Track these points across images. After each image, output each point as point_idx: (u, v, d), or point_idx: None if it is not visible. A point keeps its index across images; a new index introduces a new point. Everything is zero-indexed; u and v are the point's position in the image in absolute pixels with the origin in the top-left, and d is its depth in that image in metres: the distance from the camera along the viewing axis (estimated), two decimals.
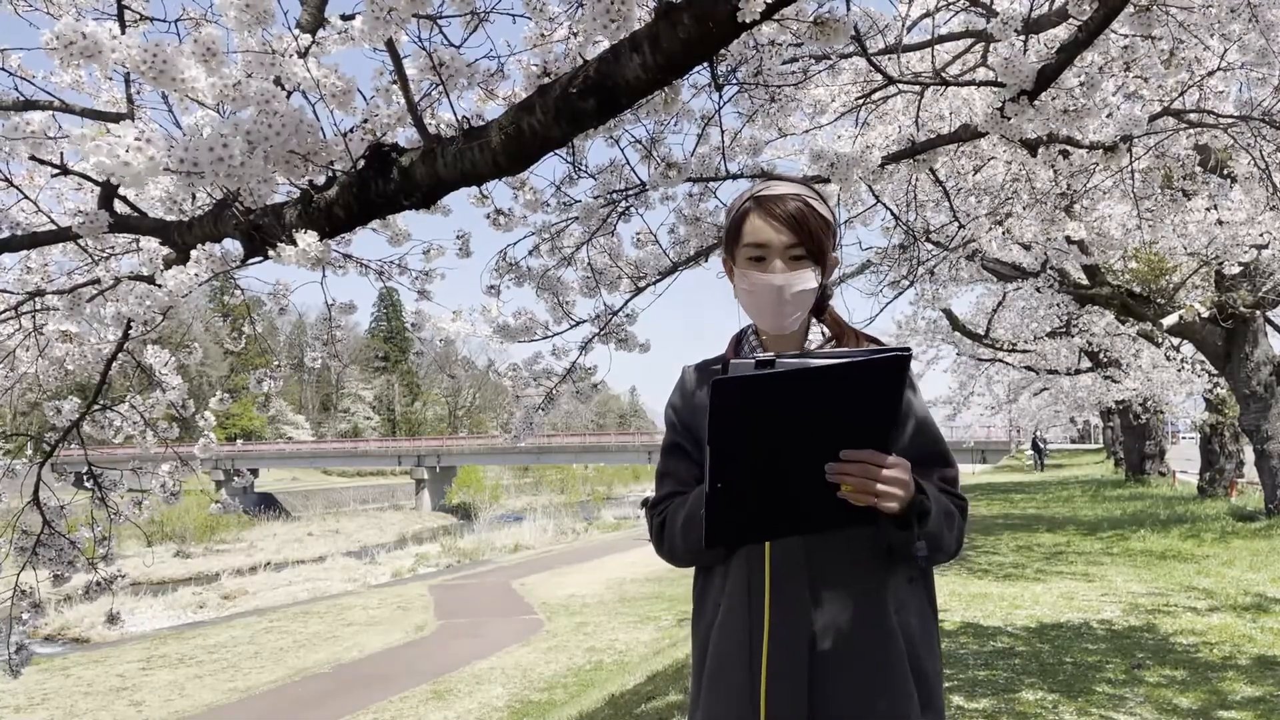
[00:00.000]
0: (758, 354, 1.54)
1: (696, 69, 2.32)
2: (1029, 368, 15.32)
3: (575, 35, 2.41)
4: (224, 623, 17.53)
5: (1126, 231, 6.62)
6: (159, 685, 12.21)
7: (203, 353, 3.50)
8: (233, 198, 2.11)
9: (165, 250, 2.28)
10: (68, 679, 12.77)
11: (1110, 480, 24.06)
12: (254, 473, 49.50)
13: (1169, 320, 10.00)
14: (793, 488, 1.31)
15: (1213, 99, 3.77)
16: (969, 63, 3.81)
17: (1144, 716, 4.44)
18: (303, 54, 1.99)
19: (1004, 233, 4.85)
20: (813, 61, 3.33)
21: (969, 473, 34.94)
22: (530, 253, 3.59)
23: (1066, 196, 4.39)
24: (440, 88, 2.22)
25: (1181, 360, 14.54)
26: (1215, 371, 13.27)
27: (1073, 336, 12.75)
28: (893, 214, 4.54)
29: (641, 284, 3.67)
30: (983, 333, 13.03)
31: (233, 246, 2.24)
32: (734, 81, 2.99)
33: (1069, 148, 3.59)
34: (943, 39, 3.58)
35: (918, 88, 3.29)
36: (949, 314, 12.92)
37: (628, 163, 3.28)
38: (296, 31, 2.04)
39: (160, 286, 2.11)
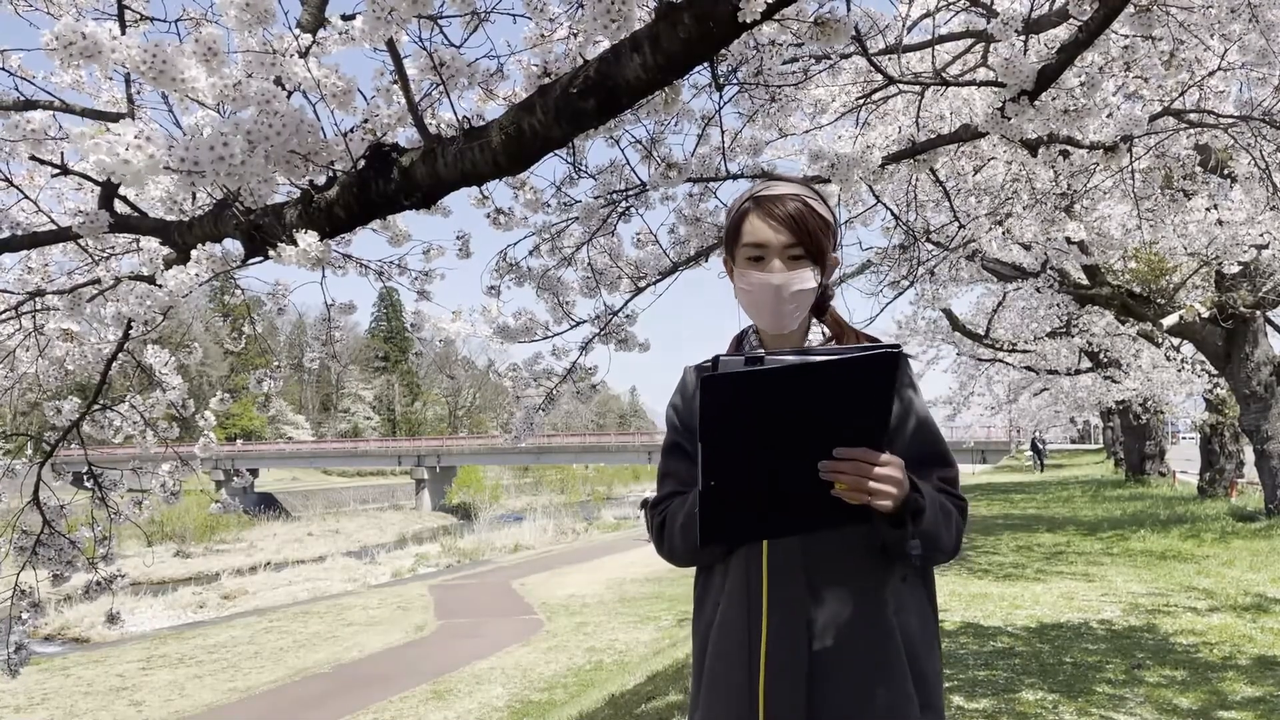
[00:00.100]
0: (748, 352, 1.54)
1: (697, 69, 2.33)
2: (1029, 368, 15.31)
3: (575, 35, 2.41)
4: (224, 623, 17.55)
5: (1126, 231, 6.63)
6: (159, 685, 12.21)
7: (203, 353, 3.50)
8: (233, 198, 2.11)
9: (165, 250, 2.28)
10: (67, 679, 12.78)
11: (1110, 480, 24.06)
12: (254, 473, 49.54)
13: (1169, 320, 10.00)
14: (786, 486, 1.30)
15: (1213, 99, 3.77)
16: (969, 63, 3.81)
17: (1144, 717, 4.44)
18: (303, 54, 1.99)
19: (1004, 233, 4.85)
20: (813, 61, 3.33)
21: (969, 473, 34.94)
22: (530, 253, 3.59)
23: (1066, 196, 4.39)
24: (441, 88, 2.23)
25: (1181, 360, 14.54)
26: (1215, 371, 13.27)
27: (1073, 336, 12.75)
28: (893, 214, 4.54)
29: (642, 284, 3.67)
30: (983, 333, 13.03)
31: (233, 246, 2.24)
32: (734, 81, 2.99)
33: (1069, 148, 3.59)
34: (943, 39, 3.58)
35: (918, 88, 3.29)
36: (949, 314, 12.93)
37: (628, 163, 3.28)
38: (297, 31, 2.04)
39: (160, 286, 2.11)
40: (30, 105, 2.17)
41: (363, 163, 2.11)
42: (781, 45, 2.90)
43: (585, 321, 3.60)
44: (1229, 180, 5.30)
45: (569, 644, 12.23)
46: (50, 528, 2.76)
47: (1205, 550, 10.22)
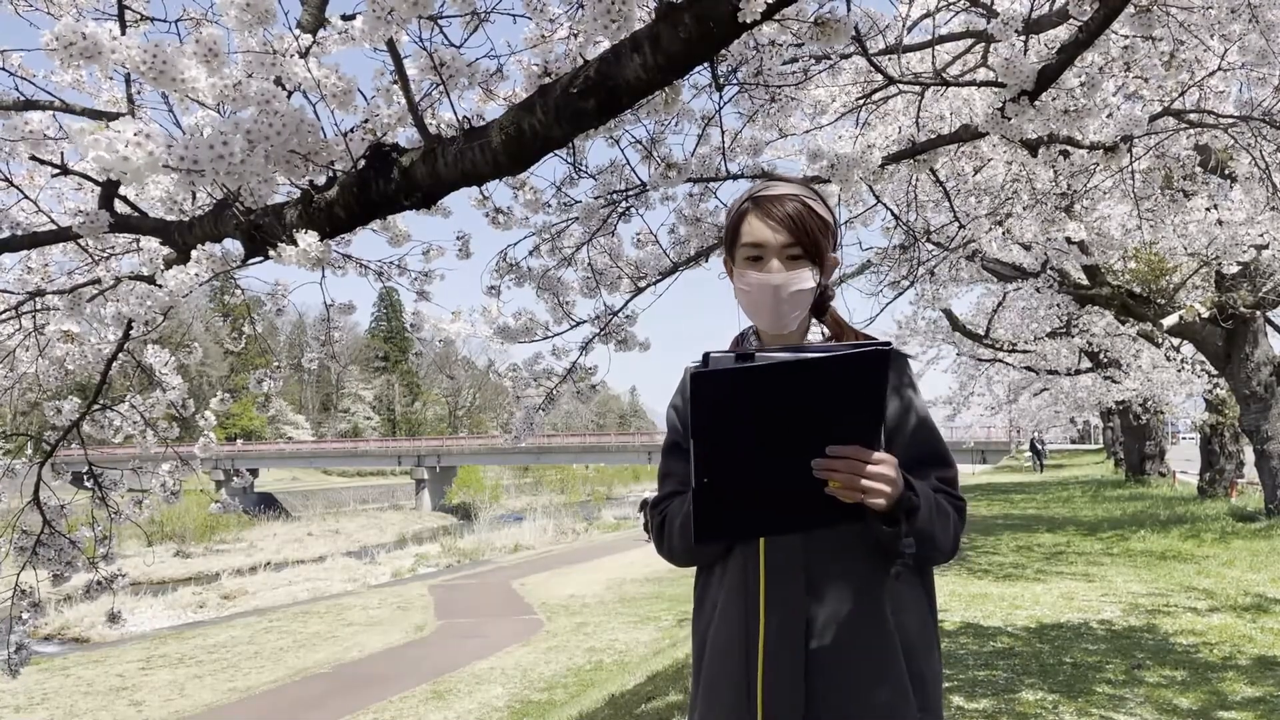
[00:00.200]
0: (740, 349, 1.54)
1: (697, 69, 2.33)
2: (1029, 368, 15.31)
3: (576, 35, 2.41)
4: (224, 623, 17.55)
5: (1126, 231, 6.63)
6: (159, 685, 12.22)
7: (203, 353, 3.50)
8: (233, 198, 2.11)
9: (165, 250, 2.28)
10: (67, 679, 12.78)
11: (1110, 480, 24.05)
12: (254, 473, 49.56)
13: (1169, 320, 10.00)
14: (780, 483, 1.30)
15: (1213, 99, 3.77)
16: (969, 63, 3.81)
17: (1144, 717, 4.44)
18: (303, 54, 1.99)
19: (1004, 233, 4.85)
20: (813, 62, 3.33)
21: (969, 473, 34.94)
22: (530, 253, 3.59)
23: (1066, 197, 4.39)
24: (441, 88, 2.23)
25: (1181, 360, 14.53)
26: (1215, 372, 13.27)
27: (1073, 337, 12.75)
28: (893, 214, 4.54)
29: (642, 284, 3.67)
30: (983, 333, 13.03)
31: (233, 246, 2.24)
32: (734, 82, 2.99)
33: (1069, 148, 3.59)
34: (943, 39, 3.58)
35: (918, 88, 3.29)
36: (949, 314, 12.92)
37: (628, 163, 3.28)
38: (297, 32, 2.04)
39: (160, 286, 2.11)
40: (30, 105, 2.17)
41: (363, 163, 2.11)
42: (781, 45, 2.90)
43: (585, 321, 3.60)
44: (1229, 180, 5.30)
45: (569, 644, 12.23)
46: (50, 527, 2.76)
47: (1205, 550, 10.22)
